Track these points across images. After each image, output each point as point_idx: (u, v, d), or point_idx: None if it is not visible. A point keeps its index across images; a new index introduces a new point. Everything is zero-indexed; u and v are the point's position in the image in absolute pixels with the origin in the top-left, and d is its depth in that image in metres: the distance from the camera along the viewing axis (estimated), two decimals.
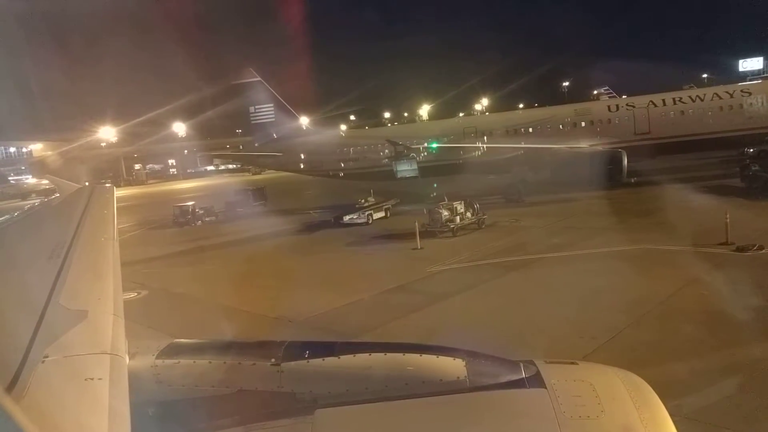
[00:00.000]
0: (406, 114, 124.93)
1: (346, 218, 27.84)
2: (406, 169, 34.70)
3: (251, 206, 38.41)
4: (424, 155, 33.69)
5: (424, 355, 3.31)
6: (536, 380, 3.07)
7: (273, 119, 38.35)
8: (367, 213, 28.42)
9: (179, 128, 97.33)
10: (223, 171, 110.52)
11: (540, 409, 2.86)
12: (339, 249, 23.29)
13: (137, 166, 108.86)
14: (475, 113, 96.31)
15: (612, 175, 27.86)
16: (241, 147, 41.69)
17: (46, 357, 2.46)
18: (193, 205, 35.29)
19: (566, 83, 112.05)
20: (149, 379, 3.32)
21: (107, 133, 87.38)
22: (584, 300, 13.12)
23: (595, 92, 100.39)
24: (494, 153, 30.21)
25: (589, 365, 3.41)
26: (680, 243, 17.39)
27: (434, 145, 30.59)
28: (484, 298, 14.59)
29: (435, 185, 24.91)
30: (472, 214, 24.01)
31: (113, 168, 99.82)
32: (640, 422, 2.80)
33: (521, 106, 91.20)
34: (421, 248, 21.01)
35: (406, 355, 3.32)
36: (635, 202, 25.97)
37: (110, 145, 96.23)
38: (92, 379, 2.34)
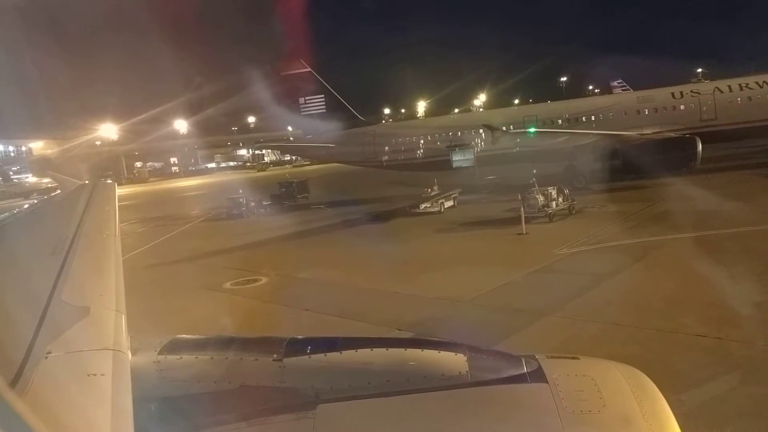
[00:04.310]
0: (403, 110, 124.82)
1: (422, 207, 27.60)
2: (462, 158, 34.44)
3: (296, 199, 37.98)
4: (482, 145, 33.52)
5: (425, 350, 3.32)
6: (538, 375, 3.07)
7: (324, 110, 37.78)
8: (440, 201, 28.15)
9: (180, 125, 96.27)
10: (224, 168, 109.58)
11: (541, 404, 2.88)
12: (431, 235, 22.79)
13: (138, 164, 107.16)
14: (475, 106, 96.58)
15: (686, 161, 27.74)
16: (291, 138, 41.01)
17: (49, 353, 2.46)
18: (245, 196, 34.77)
19: (583, 76, 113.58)
20: (151, 375, 3.25)
21: (108, 131, 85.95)
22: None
23: (591, 87, 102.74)
24: (566, 141, 29.92)
25: (591, 360, 3.37)
26: None
27: (532, 130, 30.24)
28: (656, 274, 14.02)
29: (534, 171, 24.46)
30: (563, 200, 23.76)
31: (114, 166, 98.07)
32: (642, 416, 2.81)
33: (518, 100, 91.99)
34: (527, 233, 20.63)
35: (408, 350, 3.33)
36: (717, 186, 25.59)
37: (111, 143, 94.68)
38: (95, 374, 2.34)
